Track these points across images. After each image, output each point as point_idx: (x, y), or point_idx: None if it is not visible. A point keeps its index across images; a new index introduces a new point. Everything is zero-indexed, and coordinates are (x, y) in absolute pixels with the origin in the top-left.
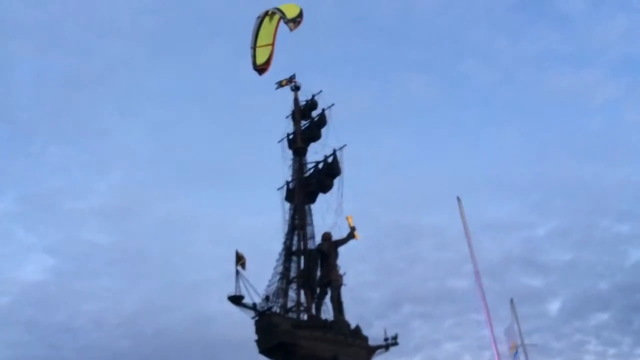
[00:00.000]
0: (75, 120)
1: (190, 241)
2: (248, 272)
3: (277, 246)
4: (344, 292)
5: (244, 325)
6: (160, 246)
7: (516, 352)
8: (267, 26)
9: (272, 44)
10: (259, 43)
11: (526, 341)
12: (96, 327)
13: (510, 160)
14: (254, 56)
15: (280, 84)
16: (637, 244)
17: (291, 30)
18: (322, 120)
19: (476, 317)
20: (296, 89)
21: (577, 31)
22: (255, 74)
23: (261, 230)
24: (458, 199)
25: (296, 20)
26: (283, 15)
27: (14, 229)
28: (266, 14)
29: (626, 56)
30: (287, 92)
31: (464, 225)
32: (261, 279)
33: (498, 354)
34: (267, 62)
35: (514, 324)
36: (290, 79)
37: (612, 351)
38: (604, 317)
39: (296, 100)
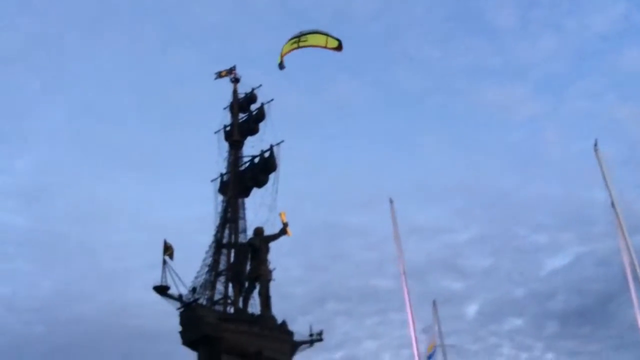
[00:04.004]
0: None
1: (112, 228)
2: (175, 263)
3: (206, 238)
4: (271, 287)
5: (168, 316)
6: (80, 231)
7: (433, 352)
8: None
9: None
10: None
11: (445, 342)
12: (8, 311)
13: (438, 166)
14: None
15: (219, 75)
16: (552, 254)
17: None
18: (260, 115)
19: (397, 316)
20: (236, 80)
21: (506, 46)
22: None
23: (190, 222)
24: (390, 200)
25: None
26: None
27: None
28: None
29: (550, 75)
30: (226, 84)
31: (394, 227)
32: (188, 270)
33: (418, 353)
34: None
35: (434, 324)
36: (230, 70)
37: (524, 355)
38: (518, 322)
39: (235, 92)
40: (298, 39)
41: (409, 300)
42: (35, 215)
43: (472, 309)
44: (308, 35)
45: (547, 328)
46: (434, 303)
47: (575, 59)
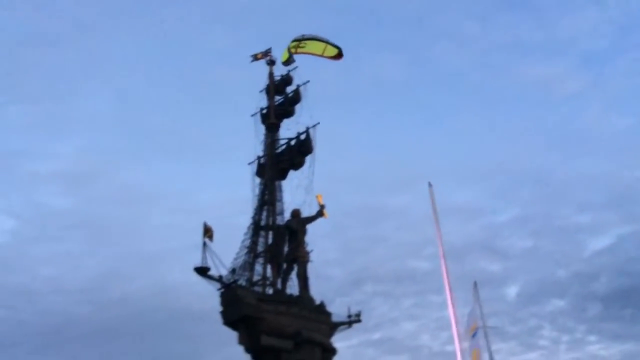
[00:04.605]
0: (37, 80)
1: (153, 210)
2: (214, 245)
3: (244, 220)
4: (309, 269)
5: (209, 296)
6: (122, 213)
7: (475, 333)
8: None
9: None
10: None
11: (486, 323)
12: (55, 291)
13: (477, 146)
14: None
15: (255, 57)
16: (595, 234)
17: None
18: (296, 97)
19: (435, 298)
20: (271, 63)
21: (547, 21)
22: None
23: (228, 204)
24: (429, 184)
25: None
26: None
27: None
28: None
29: (593, 50)
30: (262, 66)
31: (433, 211)
32: (227, 251)
33: (458, 334)
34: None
35: (476, 306)
36: (266, 53)
37: (565, 337)
38: (559, 303)
39: (271, 74)
40: (298, 43)
41: (449, 283)
42: (79, 199)
43: (512, 291)
44: (307, 42)
45: (590, 310)
46: (475, 284)
47: (618, 32)
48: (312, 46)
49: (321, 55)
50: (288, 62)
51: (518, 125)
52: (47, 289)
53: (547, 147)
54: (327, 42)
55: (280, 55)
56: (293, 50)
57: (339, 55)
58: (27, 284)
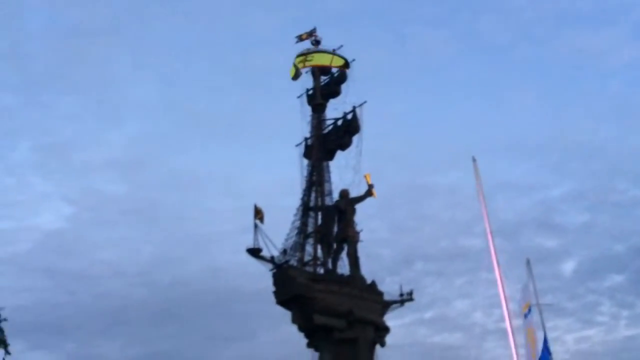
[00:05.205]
0: (87, 70)
1: (203, 194)
2: (265, 226)
3: (294, 201)
4: (359, 248)
5: (260, 277)
6: (173, 198)
7: (529, 311)
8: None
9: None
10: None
11: (540, 301)
12: (113, 275)
13: (527, 120)
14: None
15: (300, 38)
16: None
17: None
18: (342, 76)
19: (488, 275)
20: (316, 43)
21: None
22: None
23: (277, 186)
24: (473, 159)
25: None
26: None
27: (31, 177)
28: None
29: None
30: (307, 46)
31: (478, 186)
32: (277, 233)
33: (509, 312)
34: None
35: (530, 283)
36: (311, 33)
37: (625, 312)
38: (618, 279)
39: None
40: (305, 57)
41: (497, 260)
42: (132, 185)
43: (568, 267)
44: (314, 54)
45: None
46: (528, 261)
47: None
48: (319, 58)
49: (330, 66)
50: (296, 76)
51: (571, 97)
52: (105, 274)
53: (601, 119)
54: (333, 54)
55: (325, 35)
56: (300, 64)
57: (346, 66)
58: (86, 269)
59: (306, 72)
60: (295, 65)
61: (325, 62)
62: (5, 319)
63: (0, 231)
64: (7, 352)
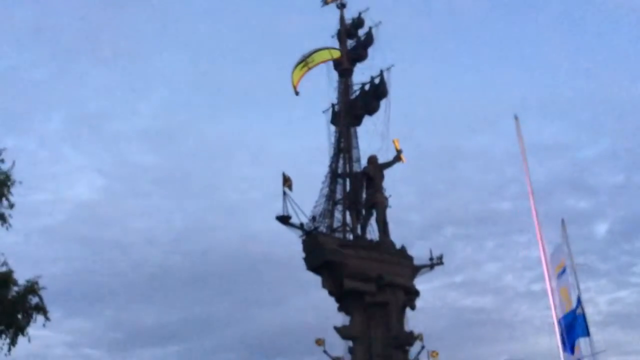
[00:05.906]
0: (115, 42)
1: (233, 163)
2: (294, 194)
3: (322, 169)
4: (388, 214)
5: (290, 243)
6: (204, 167)
7: (563, 271)
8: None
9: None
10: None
11: (575, 261)
12: (147, 244)
13: (562, 78)
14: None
15: (325, 2)
16: None
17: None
18: (369, 40)
19: (519, 238)
20: (342, 6)
21: None
22: None
23: (305, 153)
24: (515, 117)
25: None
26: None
27: (64, 149)
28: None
29: None
30: (332, 10)
31: (520, 145)
32: (306, 200)
33: (548, 272)
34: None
35: (563, 243)
36: None
37: None
38: None
39: (342, 18)
40: (305, 62)
41: (537, 220)
42: (164, 155)
43: (602, 228)
44: (313, 55)
45: None
46: (563, 222)
47: None
48: (318, 57)
49: (331, 59)
50: (296, 92)
51: (607, 52)
52: (139, 242)
53: (636, 77)
54: (329, 48)
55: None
56: (305, 69)
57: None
58: (121, 239)
59: (332, 37)
60: (293, 85)
61: (326, 58)
62: (43, 287)
63: (35, 203)
64: (47, 319)
